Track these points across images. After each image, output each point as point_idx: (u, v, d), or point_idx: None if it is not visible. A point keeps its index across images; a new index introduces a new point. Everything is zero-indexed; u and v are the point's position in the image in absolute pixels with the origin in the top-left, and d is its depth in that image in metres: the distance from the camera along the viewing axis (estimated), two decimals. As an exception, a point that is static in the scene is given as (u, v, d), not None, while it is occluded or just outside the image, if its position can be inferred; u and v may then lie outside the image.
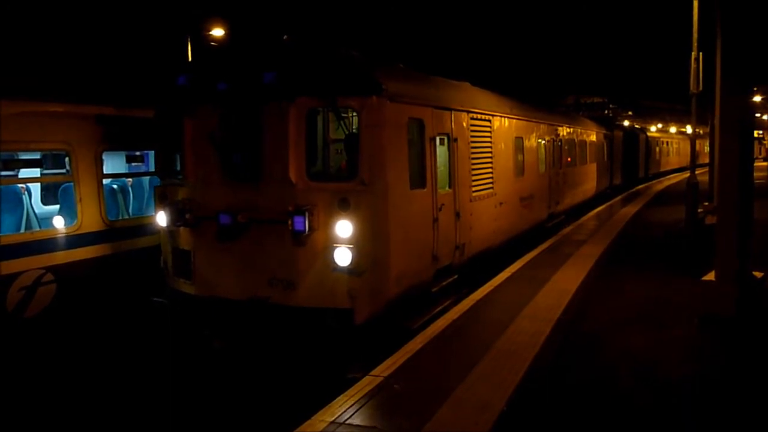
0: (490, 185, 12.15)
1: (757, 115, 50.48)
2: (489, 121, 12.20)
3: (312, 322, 8.04)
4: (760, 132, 63.92)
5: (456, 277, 10.55)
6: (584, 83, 46.82)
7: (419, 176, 9.08)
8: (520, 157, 14.35)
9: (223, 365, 8.52)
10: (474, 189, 11.25)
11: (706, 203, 16.25)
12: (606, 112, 58.06)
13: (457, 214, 10.37)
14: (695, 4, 16.89)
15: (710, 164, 20.60)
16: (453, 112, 10.36)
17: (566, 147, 19.57)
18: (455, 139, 10.34)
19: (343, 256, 7.90)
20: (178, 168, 9.08)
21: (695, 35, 16.97)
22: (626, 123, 54.44)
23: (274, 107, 8.01)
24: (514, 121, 13.96)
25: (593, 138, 24.37)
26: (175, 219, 8.71)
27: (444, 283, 10.03)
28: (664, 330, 8.61)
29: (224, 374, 8.44)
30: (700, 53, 16.95)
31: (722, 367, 7.35)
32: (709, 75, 14.34)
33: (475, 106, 11.55)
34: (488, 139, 12.14)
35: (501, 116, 13.00)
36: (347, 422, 5.96)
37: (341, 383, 7.27)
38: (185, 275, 8.94)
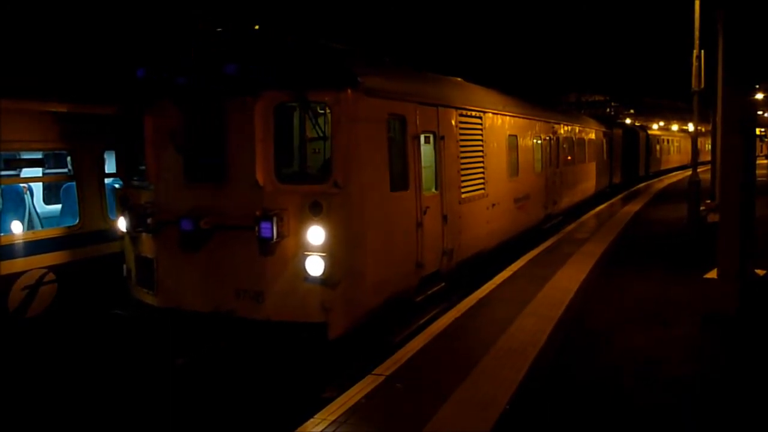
0: (482, 186, 11.48)
1: (759, 112, 49.86)
2: (480, 118, 11.53)
3: (282, 337, 7.38)
4: (762, 129, 63.26)
5: (444, 284, 9.88)
6: (586, 81, 46.19)
7: (401, 177, 8.41)
8: (514, 156, 13.67)
9: (186, 383, 7.86)
10: (463, 190, 10.58)
11: (708, 201, 16.29)
12: (608, 110, 57.54)
13: (445, 218, 9.70)
14: (697, 2, 16.90)
15: (712, 162, 20.74)
16: (440, 108, 9.68)
17: (564, 145, 18.89)
18: (442, 138, 9.66)
19: (315, 265, 7.23)
20: (141, 169, 8.40)
21: (697, 33, 16.92)
22: (628, 121, 53.87)
23: (239, 102, 7.33)
24: (508, 118, 13.29)
25: (592, 136, 23.72)
26: (136, 224, 8.05)
27: (430, 292, 9.36)
28: (666, 328, 8.56)
29: (186, 392, 7.77)
30: (702, 51, 16.89)
31: (724, 366, 7.27)
32: (711, 73, 14.42)
33: (464, 103, 10.88)
34: (479, 138, 11.48)
35: (493, 113, 12.33)
36: (349, 421, 5.87)
37: (315, 403, 6.68)
38: (148, 285, 8.27)
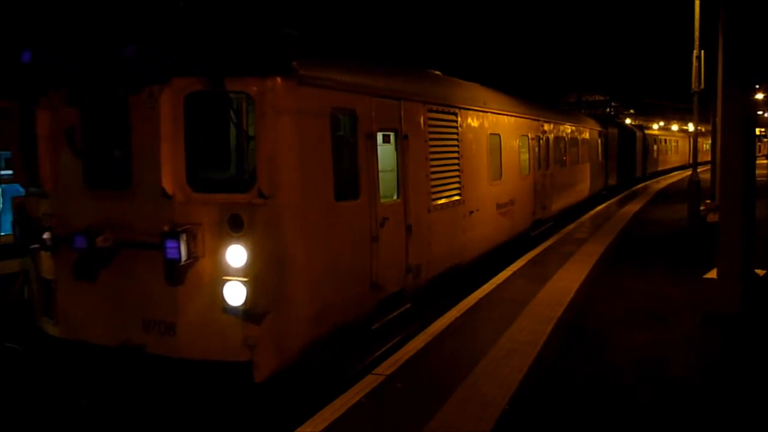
0: (457, 192, 10.16)
1: (759, 112, 48.83)
2: (455, 115, 10.21)
3: (197, 378, 6.05)
4: (762, 129, 62.24)
5: (409, 305, 8.55)
6: (587, 81, 45.31)
7: (349, 183, 7.07)
8: (496, 157, 12.32)
9: (90, 426, 6.53)
10: (434, 197, 9.27)
11: (708, 201, 16.23)
12: (608, 110, 56.70)
13: (409, 228, 8.37)
14: (697, 2, 16.86)
15: (712, 162, 20.95)
16: (403, 102, 8.35)
17: (555, 145, 17.54)
18: (405, 136, 8.33)
19: (234, 293, 5.89)
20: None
21: (697, 33, 16.98)
22: (628, 121, 52.89)
23: (144, 92, 5.99)
24: (489, 115, 11.95)
25: (586, 135, 22.40)
26: (31, 239, 6.72)
27: (390, 316, 8.03)
28: (667, 328, 8.58)
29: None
30: (702, 51, 17.05)
31: (724, 366, 7.25)
32: (712, 73, 14.36)
33: (436, 97, 9.56)
34: (454, 137, 10.16)
35: (472, 110, 10.99)
36: (349, 421, 5.77)
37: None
38: (49, 313, 6.94)
